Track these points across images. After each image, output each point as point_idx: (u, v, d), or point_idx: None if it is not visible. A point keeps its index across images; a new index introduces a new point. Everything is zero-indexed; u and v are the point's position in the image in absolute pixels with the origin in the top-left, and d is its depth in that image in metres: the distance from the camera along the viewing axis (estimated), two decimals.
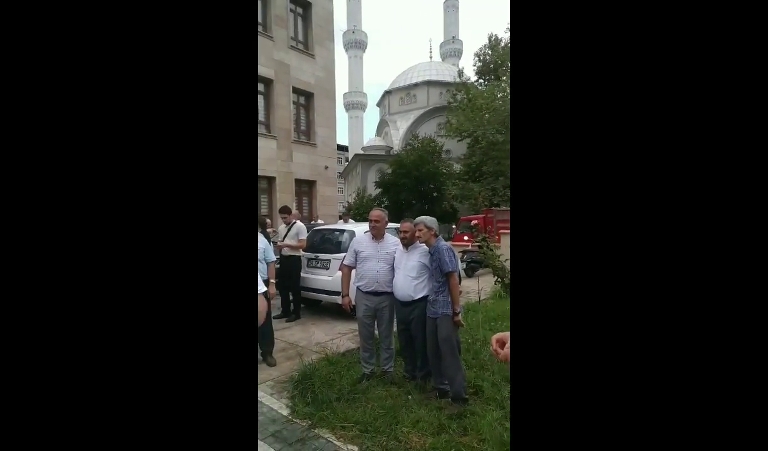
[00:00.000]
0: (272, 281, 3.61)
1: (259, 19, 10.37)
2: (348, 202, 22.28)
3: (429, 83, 31.43)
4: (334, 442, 2.21)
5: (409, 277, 2.81)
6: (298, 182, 11.43)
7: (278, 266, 4.54)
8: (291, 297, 5.04)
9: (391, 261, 2.96)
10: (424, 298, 2.78)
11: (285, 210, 5.06)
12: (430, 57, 38.37)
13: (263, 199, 10.61)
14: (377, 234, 3.02)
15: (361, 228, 5.10)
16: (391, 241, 3.05)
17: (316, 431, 2.32)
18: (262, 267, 3.36)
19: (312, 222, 8.64)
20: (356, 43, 46.77)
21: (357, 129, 46.98)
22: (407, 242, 2.85)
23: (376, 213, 3.06)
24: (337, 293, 4.79)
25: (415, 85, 32.05)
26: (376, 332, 3.11)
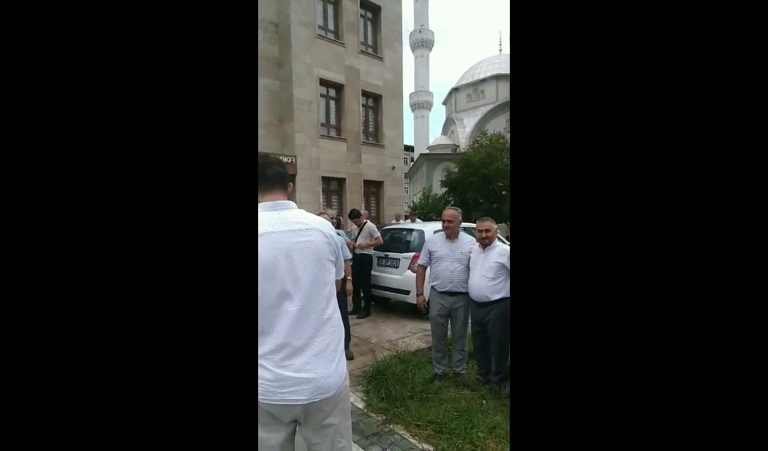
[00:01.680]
0: (349, 278, 3.74)
1: (331, 27, 10.85)
2: (413, 201, 22.32)
3: (498, 77, 30.21)
4: (410, 440, 2.23)
5: (485, 278, 2.73)
6: (367, 183, 11.73)
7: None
8: (362, 294, 5.19)
9: (465, 261, 2.90)
10: (503, 300, 2.68)
11: (354, 214, 5.22)
12: (500, 50, 36.78)
13: (334, 200, 11.08)
14: (451, 234, 2.98)
15: (429, 227, 5.09)
16: (466, 240, 2.99)
17: (390, 426, 2.36)
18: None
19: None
20: (423, 43, 46.63)
21: (423, 129, 46.86)
22: (487, 242, 2.78)
23: (449, 213, 3.01)
24: (405, 292, 4.83)
25: (483, 81, 31.04)
26: (449, 332, 3.07)
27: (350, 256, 3.88)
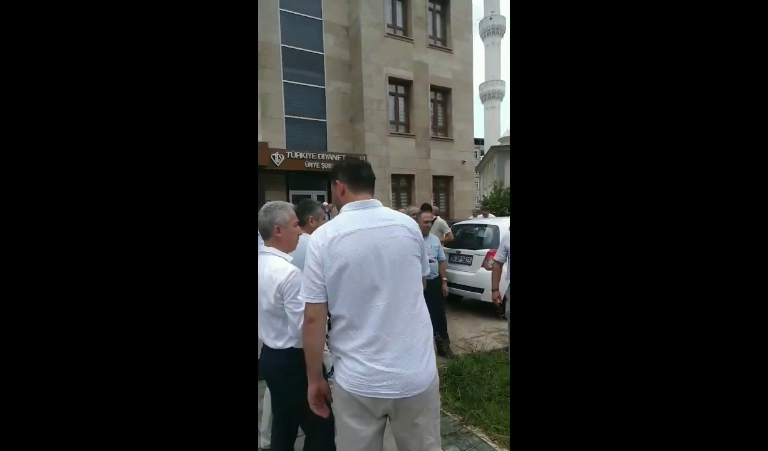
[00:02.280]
0: (444, 278, 3.70)
1: (400, 24, 10.88)
2: (483, 196, 21.54)
3: None
4: (489, 443, 2.16)
5: None
6: (436, 179, 11.60)
7: None
8: None
9: None
10: None
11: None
12: None
13: (403, 197, 11.16)
14: None
15: (504, 223, 4.86)
16: None
17: (468, 427, 2.32)
18: (433, 266, 3.44)
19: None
20: (494, 30, 44.60)
21: (493, 120, 44.91)
22: None
23: None
24: (479, 290, 4.68)
25: None
26: None
27: (445, 257, 3.86)
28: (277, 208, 1.55)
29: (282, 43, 9.76)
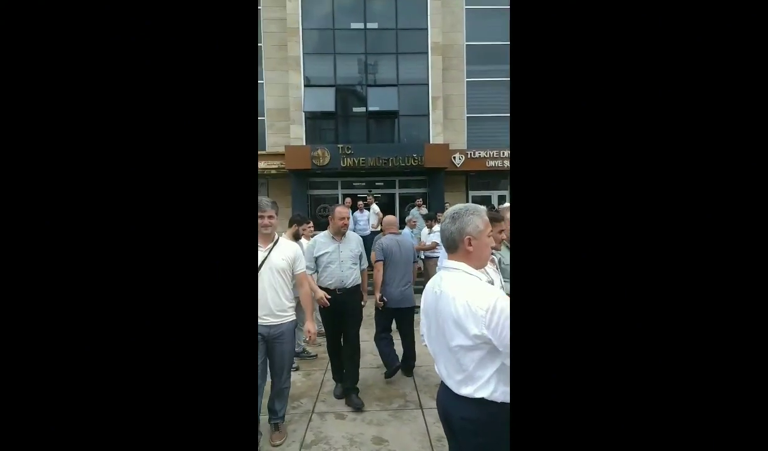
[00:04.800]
0: None
1: None
2: None
3: None
4: None
5: None
6: None
7: None
8: None
9: None
10: None
11: None
12: None
13: None
14: None
15: None
16: None
17: None
18: None
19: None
20: None
21: None
22: None
23: None
24: None
25: None
26: None
27: None
28: (468, 214, 1.20)
29: (467, 41, 9.64)
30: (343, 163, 8.54)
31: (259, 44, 9.51)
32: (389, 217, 3.47)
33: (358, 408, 2.59)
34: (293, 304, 2.31)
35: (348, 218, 2.82)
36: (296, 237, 3.53)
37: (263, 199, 2.13)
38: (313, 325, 2.36)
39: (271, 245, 2.21)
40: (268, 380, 2.30)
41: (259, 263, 2.13)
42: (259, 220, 2.10)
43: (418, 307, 1.49)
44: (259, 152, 9.13)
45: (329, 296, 2.67)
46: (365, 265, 2.93)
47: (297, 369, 3.21)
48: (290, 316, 2.26)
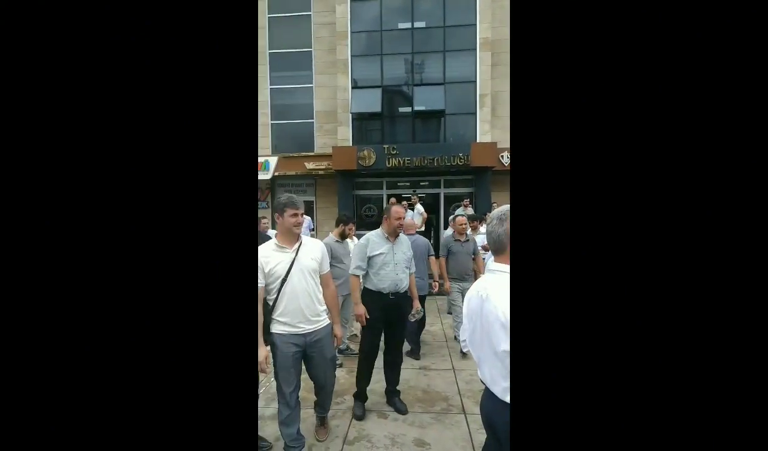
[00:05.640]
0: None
1: None
2: None
3: None
4: None
5: None
6: None
7: None
8: None
9: None
10: None
11: None
12: None
13: None
14: None
15: None
16: None
17: None
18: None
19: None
20: None
21: None
22: None
23: None
24: None
25: None
26: None
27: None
28: None
29: None
30: (389, 163, 8.59)
31: (309, 50, 9.85)
32: (408, 220, 3.79)
33: (402, 412, 2.57)
34: (325, 306, 2.12)
35: (404, 218, 2.60)
36: (343, 236, 3.61)
37: (294, 196, 1.99)
38: (340, 329, 2.23)
39: (297, 245, 1.99)
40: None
41: (287, 265, 1.94)
42: (292, 219, 1.94)
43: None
44: (307, 153, 9.47)
45: (381, 301, 2.53)
46: (413, 269, 2.78)
47: (341, 366, 3.29)
48: (325, 319, 2.07)
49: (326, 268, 2.13)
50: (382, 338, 2.68)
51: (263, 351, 1.91)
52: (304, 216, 2.19)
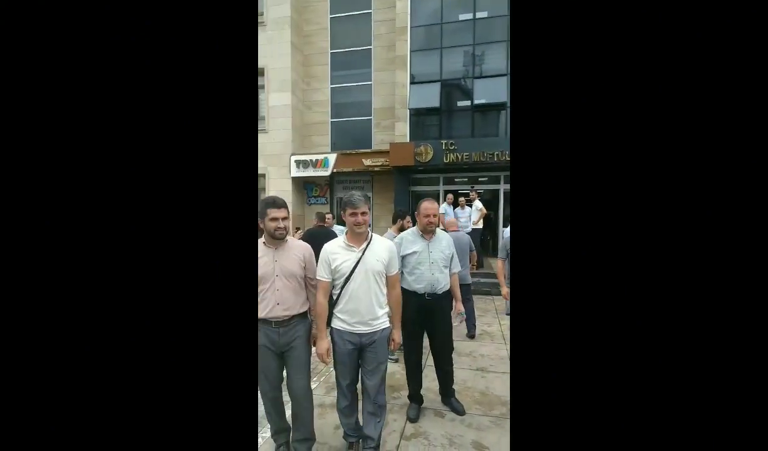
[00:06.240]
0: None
1: None
2: None
3: None
4: None
5: None
6: None
7: None
8: None
9: None
10: None
11: None
12: None
13: None
14: None
15: None
16: None
17: None
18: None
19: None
20: None
21: None
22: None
23: None
24: None
25: None
26: None
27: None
28: None
29: None
30: (446, 159, 8.44)
31: (368, 47, 9.98)
32: (450, 219, 4.03)
33: (459, 413, 2.52)
34: (386, 309, 2.03)
35: (434, 215, 2.39)
36: (402, 231, 3.62)
37: (355, 194, 1.93)
38: (399, 334, 2.09)
39: (364, 244, 1.94)
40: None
41: (352, 264, 1.91)
42: (352, 218, 1.90)
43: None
44: (364, 150, 9.62)
45: (417, 301, 2.37)
46: (457, 268, 2.57)
47: (396, 361, 3.30)
48: (383, 323, 1.99)
49: (394, 269, 2.04)
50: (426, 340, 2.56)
51: (325, 343, 1.96)
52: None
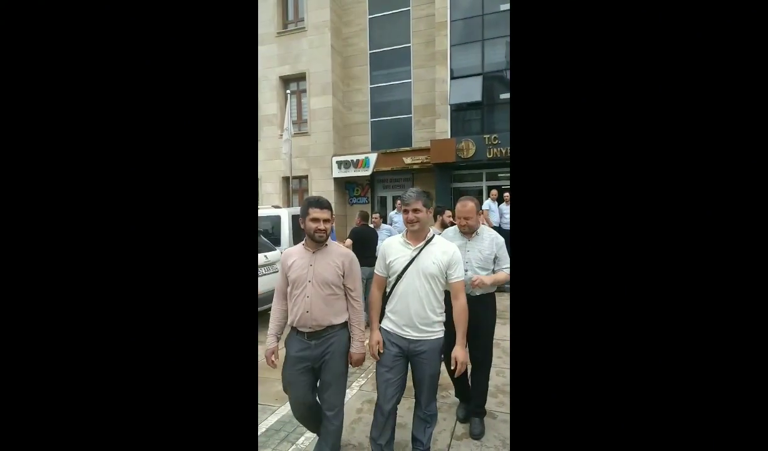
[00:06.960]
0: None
1: None
2: None
3: None
4: None
5: None
6: None
7: None
8: None
9: None
10: None
11: None
12: None
13: None
14: None
15: None
16: None
17: None
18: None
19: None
20: None
21: None
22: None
23: None
24: None
25: None
26: None
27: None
28: None
29: None
30: (489, 154, 8.19)
31: (407, 45, 9.93)
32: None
33: (476, 436, 2.25)
34: (442, 318, 1.83)
35: (467, 217, 2.18)
36: (444, 227, 3.53)
37: (410, 190, 1.82)
38: (463, 352, 1.84)
39: (422, 243, 1.80)
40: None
41: (406, 262, 1.78)
42: (404, 216, 1.82)
43: None
44: (404, 149, 9.58)
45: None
46: (502, 265, 2.26)
47: (444, 359, 3.22)
48: (436, 332, 1.80)
49: (455, 275, 1.80)
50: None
51: (376, 334, 1.86)
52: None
